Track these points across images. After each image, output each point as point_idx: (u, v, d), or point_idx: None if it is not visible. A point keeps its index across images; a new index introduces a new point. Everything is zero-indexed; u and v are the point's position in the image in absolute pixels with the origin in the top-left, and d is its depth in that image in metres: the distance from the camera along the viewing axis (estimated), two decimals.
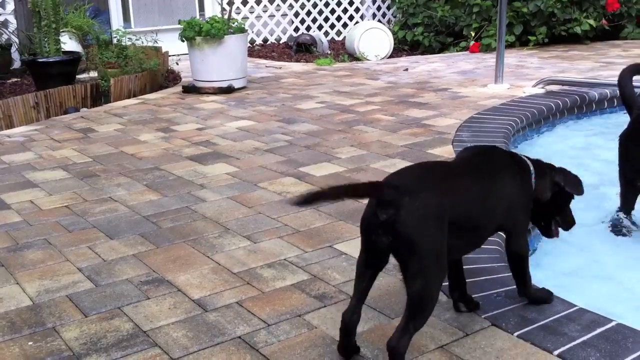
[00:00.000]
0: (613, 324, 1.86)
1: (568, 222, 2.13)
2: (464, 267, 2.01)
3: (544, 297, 2.02)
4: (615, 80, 5.45)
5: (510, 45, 7.83)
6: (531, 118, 4.38)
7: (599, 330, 1.83)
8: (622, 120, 4.50)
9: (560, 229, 2.12)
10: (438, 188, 1.74)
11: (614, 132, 4.53)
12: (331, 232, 2.62)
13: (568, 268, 2.67)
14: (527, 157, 2.07)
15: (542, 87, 5.12)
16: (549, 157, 3.97)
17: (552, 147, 4.27)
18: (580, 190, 2.07)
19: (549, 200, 2.03)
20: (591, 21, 7.99)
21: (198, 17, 7.72)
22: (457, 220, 1.72)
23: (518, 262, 1.98)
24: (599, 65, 6.45)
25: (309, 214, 2.82)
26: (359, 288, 1.76)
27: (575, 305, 1.97)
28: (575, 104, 4.78)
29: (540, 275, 2.41)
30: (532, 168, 2.02)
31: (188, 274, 2.31)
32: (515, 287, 2.04)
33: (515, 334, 1.84)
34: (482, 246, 2.36)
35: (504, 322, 1.90)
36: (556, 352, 1.75)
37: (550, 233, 2.12)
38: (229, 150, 3.87)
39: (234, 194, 3.11)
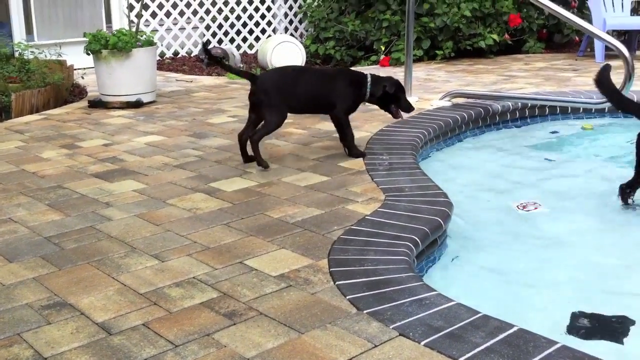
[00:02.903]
0: (515, 329, 1.92)
1: (404, 108, 3.89)
2: (374, 277, 2.04)
3: (358, 154, 3.80)
4: (518, 92, 5.69)
5: (418, 59, 8.04)
6: (438, 130, 4.49)
7: (501, 336, 1.88)
8: (515, 131, 4.70)
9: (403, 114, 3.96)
10: (281, 76, 3.83)
11: (514, 143, 4.73)
12: (242, 248, 2.59)
13: (475, 272, 2.74)
14: (372, 74, 3.89)
15: (449, 100, 5.27)
16: (456, 167, 4.10)
17: (458, 157, 4.40)
18: (392, 89, 3.81)
19: (384, 95, 3.82)
20: (495, 36, 8.30)
21: (105, 29, 7.54)
22: (293, 92, 3.70)
23: (339, 124, 3.84)
24: (502, 79, 6.70)
25: (220, 230, 2.78)
26: (249, 120, 3.75)
27: (479, 312, 2.02)
28: (480, 116, 4.94)
29: (443, 283, 2.48)
30: (369, 79, 3.82)
31: (92, 296, 2.23)
32: (423, 296, 2.11)
33: (422, 342, 1.87)
34: (391, 257, 2.41)
35: (411, 331, 1.93)
36: (461, 359, 1.78)
37: (393, 115, 3.94)
38: (136, 166, 3.78)
39: (141, 211, 3.04)
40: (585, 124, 5.13)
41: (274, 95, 3.65)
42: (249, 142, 3.70)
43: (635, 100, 3.71)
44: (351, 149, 3.85)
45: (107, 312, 2.12)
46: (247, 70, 7.66)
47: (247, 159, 3.75)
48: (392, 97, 3.84)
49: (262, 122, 3.70)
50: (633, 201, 3.35)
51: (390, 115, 4.02)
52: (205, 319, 2.06)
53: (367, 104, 4.01)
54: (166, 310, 2.12)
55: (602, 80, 3.31)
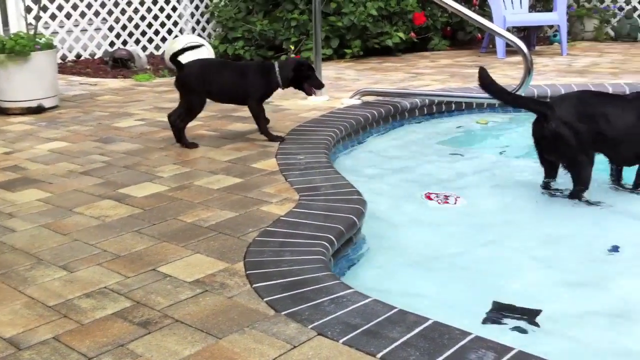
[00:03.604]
0: (430, 322, 1.96)
1: (316, 85, 4.32)
2: (291, 278, 2.04)
3: (274, 138, 4.14)
4: (425, 89, 5.83)
5: (328, 58, 8.10)
6: (350, 128, 4.54)
7: (417, 330, 1.91)
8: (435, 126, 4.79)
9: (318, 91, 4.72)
10: (199, 68, 4.19)
11: (422, 138, 4.83)
12: (154, 255, 2.53)
13: (391, 267, 2.78)
14: (281, 60, 4.40)
15: (359, 99, 5.34)
16: (368, 164, 4.16)
17: (370, 154, 4.46)
18: (300, 69, 4.20)
19: (295, 77, 4.19)
20: (401, 34, 8.47)
21: (2, 32, 7.19)
22: (212, 81, 4.15)
23: (254, 115, 4.19)
24: (410, 76, 6.85)
25: (130, 237, 2.70)
26: (179, 104, 4.20)
27: (395, 308, 2.05)
28: (389, 114, 5.03)
29: (359, 280, 2.50)
30: (277, 66, 4.18)
31: None
32: (340, 294, 2.13)
33: (341, 341, 1.88)
34: (307, 257, 2.42)
35: (329, 330, 1.94)
36: (379, 355, 1.81)
37: (306, 92, 4.36)
38: (40, 174, 3.63)
39: (47, 221, 2.91)
40: (479, 119, 5.30)
41: (195, 83, 4.11)
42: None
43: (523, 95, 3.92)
44: (268, 135, 4.19)
45: (15, 326, 2.02)
46: (154, 70, 7.51)
47: (178, 138, 4.19)
48: (303, 77, 4.24)
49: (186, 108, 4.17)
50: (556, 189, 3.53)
51: (302, 115, 4.08)
52: (118, 329, 2.00)
53: (284, 89, 4.33)
54: (77, 322, 2.04)
55: (487, 84, 3.45)
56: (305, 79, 4.24)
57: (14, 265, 2.47)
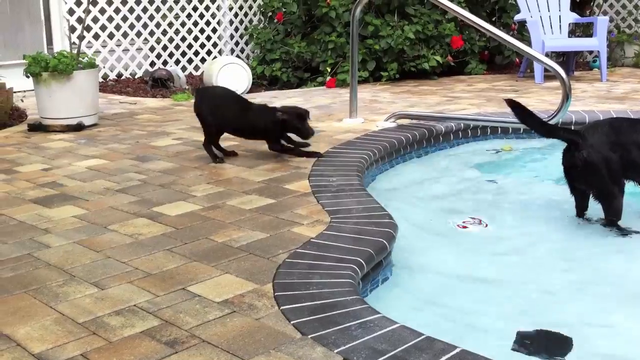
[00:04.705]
0: (458, 350, 1.93)
1: (305, 135, 4.27)
2: (319, 301, 2.03)
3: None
4: (461, 113, 5.79)
5: (364, 81, 8.12)
6: (383, 151, 4.53)
7: (444, 358, 1.89)
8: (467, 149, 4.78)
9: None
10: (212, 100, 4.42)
11: (457, 163, 4.80)
12: (185, 274, 2.55)
13: (419, 293, 2.75)
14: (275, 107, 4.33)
15: (394, 121, 5.33)
16: (401, 187, 4.14)
17: (403, 178, 4.44)
18: (277, 116, 4.21)
19: (284, 125, 4.24)
20: (438, 57, 8.45)
21: (46, 51, 7.39)
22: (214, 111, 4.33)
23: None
24: (446, 100, 6.82)
25: (162, 256, 2.73)
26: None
27: (422, 335, 2.03)
28: (424, 137, 5.01)
29: (387, 305, 2.48)
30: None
31: (28, 326, 2.16)
32: (367, 319, 2.11)
33: None
34: (336, 280, 2.41)
35: (355, 355, 1.92)
36: None
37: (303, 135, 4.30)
38: (77, 191, 3.70)
39: (81, 238, 2.96)
40: (504, 145, 5.22)
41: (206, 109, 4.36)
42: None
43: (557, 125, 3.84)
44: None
45: (44, 342, 2.05)
46: (192, 90, 7.62)
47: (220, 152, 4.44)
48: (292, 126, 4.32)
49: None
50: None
51: (337, 137, 4.10)
52: (146, 348, 2.01)
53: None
54: (105, 340, 2.06)
55: (526, 117, 3.39)
56: (297, 131, 4.28)
57: (47, 281, 2.51)
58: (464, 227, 3.50)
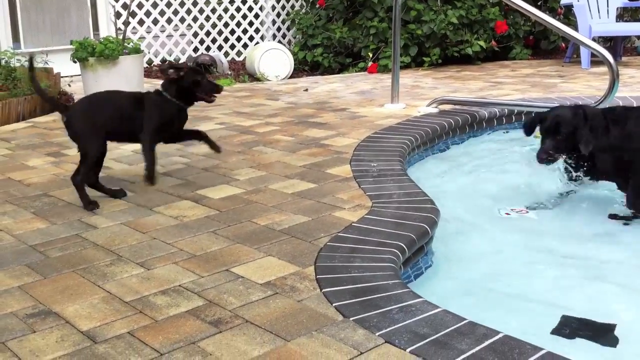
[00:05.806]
0: (500, 335, 1.92)
1: (213, 90, 3.56)
2: (361, 285, 2.04)
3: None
4: (504, 99, 5.72)
5: (406, 66, 8.07)
6: (425, 136, 4.51)
7: (487, 343, 1.88)
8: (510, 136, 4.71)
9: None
10: (89, 105, 3.42)
11: (500, 149, 4.74)
12: (228, 256, 2.59)
13: (461, 278, 2.74)
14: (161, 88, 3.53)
15: (436, 107, 5.29)
16: (443, 173, 4.11)
17: (445, 163, 4.41)
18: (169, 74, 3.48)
19: (187, 91, 3.50)
20: (481, 42, 8.34)
21: (92, 37, 7.51)
22: (105, 122, 3.29)
23: (143, 147, 3.35)
24: (489, 85, 6.74)
25: (206, 238, 2.77)
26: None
27: (465, 319, 2.02)
28: (467, 123, 4.96)
29: (429, 289, 2.48)
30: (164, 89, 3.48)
31: (77, 304, 2.22)
32: (409, 303, 2.12)
33: (408, 349, 1.87)
34: (377, 264, 2.41)
35: (397, 338, 1.93)
36: None
37: (205, 100, 3.60)
38: (123, 174, 3.77)
39: (127, 219, 3.02)
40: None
41: (84, 123, 3.29)
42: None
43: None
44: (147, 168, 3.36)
45: (92, 320, 2.11)
46: (235, 75, 7.66)
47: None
48: (193, 88, 3.53)
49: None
50: None
51: (378, 122, 4.01)
52: (190, 327, 2.05)
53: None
54: (152, 319, 2.11)
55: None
56: (200, 91, 3.52)
57: (95, 260, 2.57)
58: (507, 214, 3.47)
